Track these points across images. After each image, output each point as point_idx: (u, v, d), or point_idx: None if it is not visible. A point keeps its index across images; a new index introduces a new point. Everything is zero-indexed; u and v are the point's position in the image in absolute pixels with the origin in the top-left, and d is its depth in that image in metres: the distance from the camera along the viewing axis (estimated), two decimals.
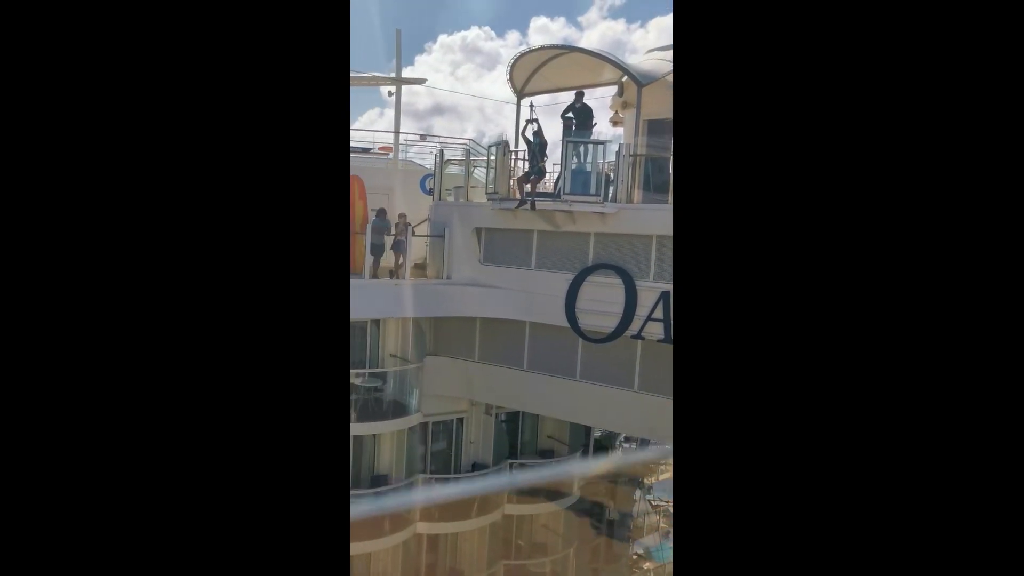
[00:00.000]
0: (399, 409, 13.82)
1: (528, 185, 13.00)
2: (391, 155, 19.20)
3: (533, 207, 12.63)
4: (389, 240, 13.40)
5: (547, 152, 13.37)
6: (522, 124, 13.32)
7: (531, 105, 13.41)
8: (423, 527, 13.93)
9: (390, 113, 20.80)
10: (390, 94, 20.19)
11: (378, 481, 14.00)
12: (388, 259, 13.57)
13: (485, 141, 20.38)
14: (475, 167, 15.01)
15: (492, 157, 13.52)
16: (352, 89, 18.80)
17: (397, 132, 19.65)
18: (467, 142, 18.63)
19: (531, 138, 13.11)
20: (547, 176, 13.60)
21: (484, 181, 14.24)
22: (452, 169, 15.49)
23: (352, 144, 15.06)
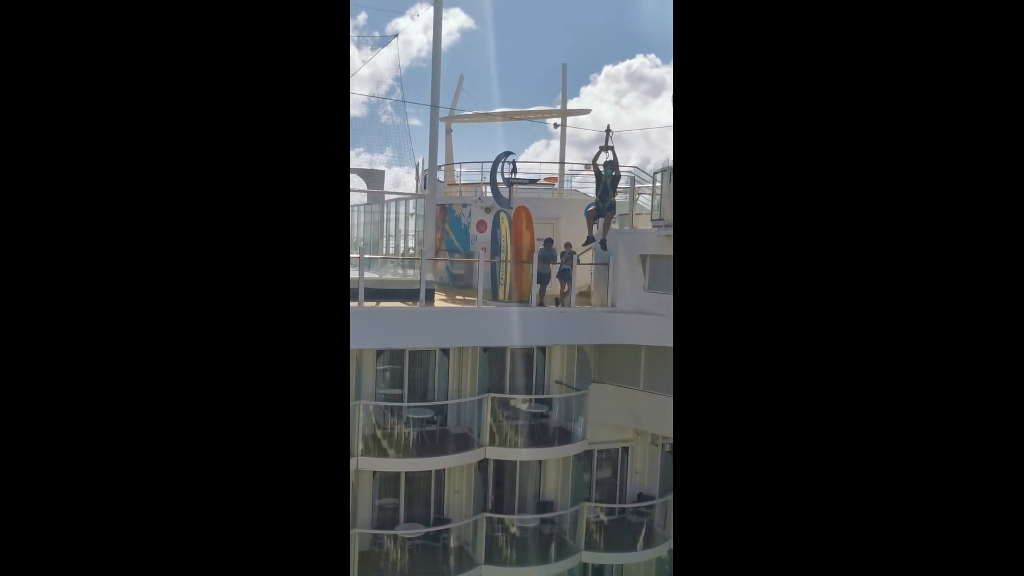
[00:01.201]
0: (564, 436, 13.92)
1: (599, 222, 11.82)
2: (556, 185, 19.60)
3: (604, 247, 11.71)
4: (555, 268, 13.64)
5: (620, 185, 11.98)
6: (594, 151, 12.18)
7: (607, 130, 12.26)
8: (588, 556, 13.85)
9: (556, 144, 21.27)
10: (556, 126, 20.68)
11: (544, 507, 14.14)
12: (554, 287, 13.81)
13: (650, 168, 20.25)
14: (640, 194, 14.96)
15: (657, 184, 13.42)
16: (519, 123, 19.45)
17: (562, 163, 20.06)
18: (631, 170, 18.64)
19: (602, 169, 11.95)
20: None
21: (649, 208, 14.15)
22: (617, 197, 15.53)
23: (519, 176, 15.52)
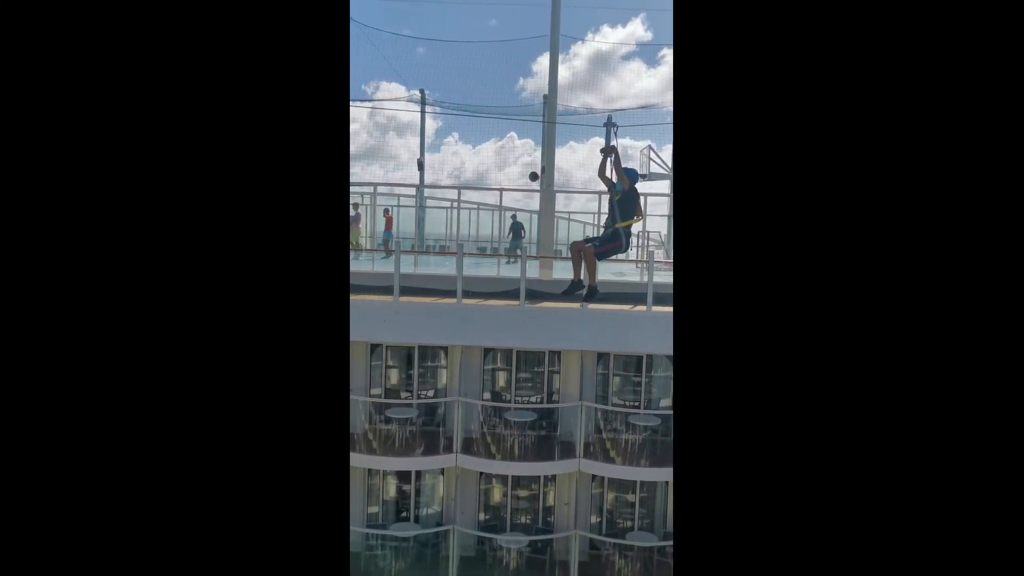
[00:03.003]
0: None
1: (593, 262, 7.87)
2: None
3: (593, 296, 8.21)
4: None
5: (640, 207, 7.71)
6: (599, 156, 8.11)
7: (609, 124, 8.53)
8: None
9: None
10: None
11: None
12: None
13: None
14: None
15: None
16: None
17: None
18: None
19: (613, 180, 8.07)
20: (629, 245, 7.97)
21: None
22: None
23: None
